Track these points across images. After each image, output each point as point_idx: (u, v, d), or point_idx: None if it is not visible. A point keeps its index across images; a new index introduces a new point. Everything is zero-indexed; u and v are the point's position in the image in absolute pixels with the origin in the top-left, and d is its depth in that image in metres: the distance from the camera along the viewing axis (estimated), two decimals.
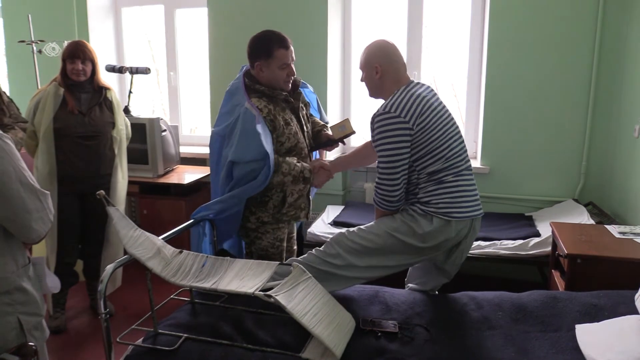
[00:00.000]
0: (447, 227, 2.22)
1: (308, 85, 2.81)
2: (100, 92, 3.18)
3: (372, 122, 2.25)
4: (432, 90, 2.34)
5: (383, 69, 2.29)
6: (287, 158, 2.48)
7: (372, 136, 2.27)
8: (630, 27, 3.44)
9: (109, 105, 3.20)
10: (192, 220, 2.50)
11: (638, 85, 3.25)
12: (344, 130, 2.65)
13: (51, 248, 3.13)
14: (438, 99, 2.32)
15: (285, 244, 2.70)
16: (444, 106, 2.33)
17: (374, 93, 2.40)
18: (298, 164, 2.48)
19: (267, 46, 2.40)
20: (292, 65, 2.47)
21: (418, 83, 2.33)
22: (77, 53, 3.04)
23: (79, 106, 3.08)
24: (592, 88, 3.65)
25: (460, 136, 2.34)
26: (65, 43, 4.20)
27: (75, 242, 3.26)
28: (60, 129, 3.03)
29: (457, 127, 2.34)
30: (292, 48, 2.46)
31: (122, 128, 3.29)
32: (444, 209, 2.21)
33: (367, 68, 2.34)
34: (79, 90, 3.10)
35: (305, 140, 2.59)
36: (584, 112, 3.71)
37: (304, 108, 2.67)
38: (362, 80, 2.40)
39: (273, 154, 2.38)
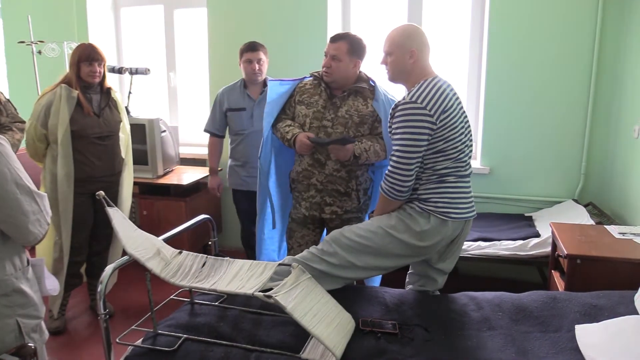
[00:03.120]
0: (443, 226, 2.23)
1: (382, 96, 2.75)
2: (108, 93, 3.23)
3: (395, 109, 2.22)
4: (452, 88, 2.30)
5: (419, 54, 2.25)
6: (291, 122, 2.79)
7: (392, 123, 2.23)
8: (629, 28, 3.44)
9: (114, 105, 3.26)
10: (192, 222, 2.50)
11: (637, 86, 3.25)
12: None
13: (65, 250, 3.15)
14: (458, 98, 2.29)
15: (301, 227, 2.87)
16: (462, 107, 2.31)
17: (398, 77, 2.33)
18: (289, 127, 2.75)
19: None
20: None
21: (442, 78, 2.28)
22: (95, 56, 3.06)
23: (92, 108, 3.12)
24: (591, 89, 3.66)
25: (471, 141, 2.34)
26: (66, 44, 4.23)
27: (86, 242, 3.29)
28: (77, 131, 3.04)
29: (470, 131, 2.33)
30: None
31: (128, 126, 3.37)
32: (442, 209, 2.22)
33: (400, 51, 2.26)
34: (91, 92, 3.14)
35: (313, 130, 2.71)
36: (584, 112, 3.71)
37: (348, 112, 2.69)
38: (384, 62, 2.34)
39: (274, 113, 2.84)
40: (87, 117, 3.08)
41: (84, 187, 3.12)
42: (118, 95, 3.32)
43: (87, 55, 3.05)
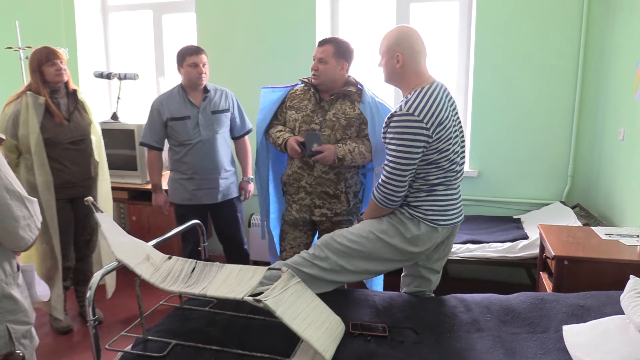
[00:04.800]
0: (434, 233, 2.25)
1: (369, 98, 2.76)
2: (74, 95, 3.16)
3: (390, 119, 2.18)
4: (449, 93, 2.27)
5: (405, 58, 2.21)
6: (282, 128, 2.83)
7: (387, 132, 2.20)
8: (614, 32, 3.48)
9: (82, 107, 3.19)
10: (182, 227, 2.51)
11: (622, 89, 3.29)
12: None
13: (58, 256, 3.13)
14: (453, 103, 2.28)
15: (292, 229, 2.89)
16: (457, 114, 2.29)
17: (390, 79, 2.32)
18: (280, 133, 2.79)
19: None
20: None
21: (439, 84, 2.24)
22: (54, 55, 2.98)
23: (61, 113, 3.05)
24: (577, 92, 3.70)
25: (464, 149, 2.34)
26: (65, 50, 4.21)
27: (70, 247, 3.28)
28: (49, 138, 2.99)
29: (464, 139, 2.34)
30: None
31: (98, 127, 3.30)
32: (431, 216, 2.24)
33: (388, 55, 2.25)
34: (57, 96, 3.06)
35: (302, 133, 2.74)
36: (570, 115, 3.75)
37: (335, 115, 2.73)
38: (379, 65, 2.32)
39: (267, 120, 2.88)
40: (58, 124, 3.01)
41: (63, 192, 3.09)
42: (85, 96, 3.24)
43: (46, 56, 2.97)
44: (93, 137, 3.23)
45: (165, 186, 3.52)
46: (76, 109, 3.14)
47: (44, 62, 2.97)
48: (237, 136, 3.47)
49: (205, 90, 3.27)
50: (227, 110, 3.33)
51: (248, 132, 3.45)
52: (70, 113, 3.10)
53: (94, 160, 3.25)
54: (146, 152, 3.47)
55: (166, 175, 3.50)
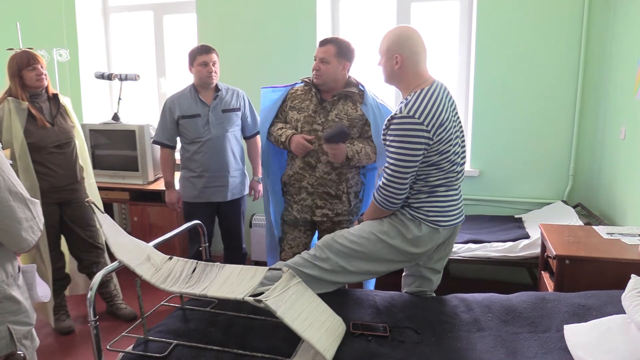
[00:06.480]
0: (435, 233, 2.25)
1: (371, 100, 2.77)
2: (55, 99, 3.15)
3: (390, 121, 2.16)
4: (449, 93, 2.26)
5: (403, 60, 2.19)
6: (283, 125, 2.84)
7: (387, 134, 2.19)
8: (615, 31, 3.48)
9: (64, 111, 3.19)
10: (183, 227, 2.51)
11: (623, 88, 3.28)
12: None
13: (47, 260, 3.12)
14: (453, 103, 2.26)
15: (292, 229, 2.90)
16: (457, 114, 2.28)
17: (390, 80, 2.30)
18: (281, 130, 2.80)
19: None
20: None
21: (439, 84, 2.22)
22: (34, 59, 2.98)
23: (44, 116, 3.04)
24: (579, 91, 3.70)
25: (464, 150, 2.33)
26: (55, 51, 4.21)
27: (60, 248, 3.29)
28: (33, 143, 2.97)
29: (464, 140, 2.33)
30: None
31: (81, 131, 3.32)
32: (432, 217, 2.23)
33: (386, 56, 2.24)
34: (39, 101, 3.05)
35: (304, 134, 2.75)
36: (572, 115, 3.75)
37: (338, 115, 2.73)
38: (379, 64, 2.31)
39: (269, 122, 2.88)
40: (42, 128, 3.00)
41: (51, 197, 3.08)
42: (66, 100, 3.24)
43: (27, 61, 2.96)
44: (77, 142, 3.24)
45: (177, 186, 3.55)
46: (59, 112, 3.13)
47: (24, 67, 2.96)
48: (248, 136, 3.51)
49: (217, 89, 3.32)
50: (238, 109, 3.36)
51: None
52: (53, 117, 3.09)
53: (79, 164, 3.26)
54: (159, 150, 3.53)
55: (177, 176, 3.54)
